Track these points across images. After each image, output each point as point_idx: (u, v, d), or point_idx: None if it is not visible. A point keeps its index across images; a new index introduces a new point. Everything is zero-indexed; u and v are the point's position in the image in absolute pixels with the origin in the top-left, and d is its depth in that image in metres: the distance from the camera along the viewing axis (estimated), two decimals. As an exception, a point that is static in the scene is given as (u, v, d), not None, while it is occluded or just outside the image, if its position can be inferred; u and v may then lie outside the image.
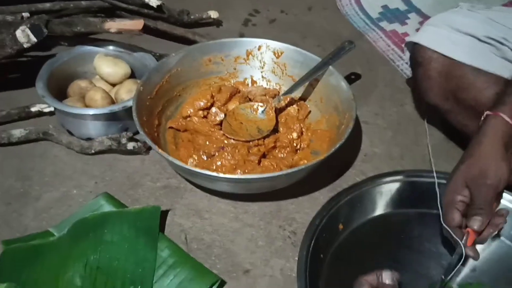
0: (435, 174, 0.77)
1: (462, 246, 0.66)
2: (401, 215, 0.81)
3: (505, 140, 0.68)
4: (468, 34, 0.81)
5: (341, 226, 0.78)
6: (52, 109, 0.94)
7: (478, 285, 0.69)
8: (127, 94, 0.91)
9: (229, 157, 0.80)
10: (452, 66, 0.81)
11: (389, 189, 0.81)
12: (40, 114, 0.96)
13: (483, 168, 0.68)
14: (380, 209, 0.81)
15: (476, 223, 0.67)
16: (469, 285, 0.69)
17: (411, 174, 0.82)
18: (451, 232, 0.68)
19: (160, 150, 0.74)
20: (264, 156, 0.83)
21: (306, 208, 0.82)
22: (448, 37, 0.82)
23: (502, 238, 0.77)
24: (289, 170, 0.73)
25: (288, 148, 0.86)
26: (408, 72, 1.11)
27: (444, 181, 0.75)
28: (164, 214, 0.81)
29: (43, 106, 0.95)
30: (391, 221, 0.81)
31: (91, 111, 0.87)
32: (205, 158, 0.83)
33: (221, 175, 0.71)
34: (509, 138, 0.69)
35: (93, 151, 0.89)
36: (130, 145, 0.88)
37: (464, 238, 0.67)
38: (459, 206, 0.68)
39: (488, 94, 0.77)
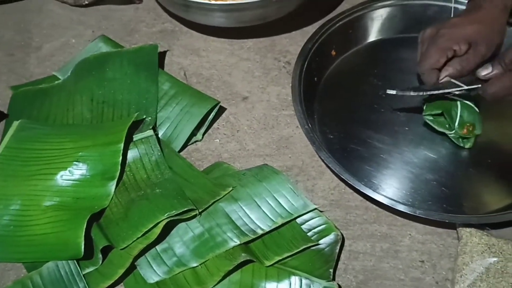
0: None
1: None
2: (393, 41, 0.83)
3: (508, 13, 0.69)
4: None
5: (334, 53, 0.80)
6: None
7: None
8: None
9: (221, -6, 0.80)
10: None
11: (380, 14, 0.82)
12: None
13: (493, 39, 0.67)
14: (372, 36, 0.83)
15: (456, 66, 0.66)
16: None
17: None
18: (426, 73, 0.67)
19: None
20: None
21: (299, 41, 0.84)
22: None
23: None
24: (280, -6, 0.73)
25: (279, -16, 0.86)
26: None
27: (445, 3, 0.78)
28: (162, 54, 0.83)
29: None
30: (383, 47, 0.83)
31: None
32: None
33: (213, 2, 0.73)
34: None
35: (86, 2, 0.90)
36: (123, -8, 0.89)
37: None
38: (450, 55, 0.66)
39: None
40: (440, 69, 0.67)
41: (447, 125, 0.69)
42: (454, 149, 0.70)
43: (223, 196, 0.62)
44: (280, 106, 0.76)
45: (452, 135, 0.69)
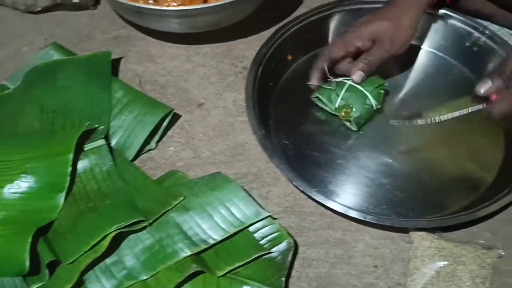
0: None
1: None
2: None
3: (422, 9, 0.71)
4: None
5: (290, 57, 0.80)
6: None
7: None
8: None
9: (175, -3, 0.79)
10: None
11: (335, 18, 0.82)
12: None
13: (398, 35, 0.69)
14: (328, 40, 0.83)
15: (364, 60, 0.69)
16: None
17: (356, 2, 0.82)
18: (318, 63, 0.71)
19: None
20: (211, -5, 0.83)
21: (256, 46, 0.82)
22: None
23: (427, 47, 0.82)
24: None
25: (235, -11, 0.85)
26: None
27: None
28: (117, 61, 0.82)
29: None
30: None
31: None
32: (151, 2, 0.82)
33: (164, 7, 0.72)
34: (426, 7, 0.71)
35: (39, 8, 0.88)
36: (76, -2, 0.87)
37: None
38: (351, 50, 0.70)
39: None
40: (337, 63, 0.71)
41: (327, 108, 0.72)
42: (408, 153, 0.70)
43: (174, 206, 0.61)
44: (236, 112, 0.75)
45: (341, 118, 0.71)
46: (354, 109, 0.69)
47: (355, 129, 0.71)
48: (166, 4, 0.78)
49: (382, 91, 0.71)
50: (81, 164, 0.66)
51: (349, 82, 0.70)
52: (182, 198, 0.62)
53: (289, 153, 0.70)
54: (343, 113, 0.70)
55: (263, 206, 0.64)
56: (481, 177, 0.67)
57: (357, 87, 0.69)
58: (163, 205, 0.61)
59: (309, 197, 0.64)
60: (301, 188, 0.62)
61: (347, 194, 0.66)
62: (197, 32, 0.81)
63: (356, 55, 0.71)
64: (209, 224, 0.60)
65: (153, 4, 0.80)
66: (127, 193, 0.63)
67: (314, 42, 0.82)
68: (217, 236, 0.59)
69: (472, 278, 0.55)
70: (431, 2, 0.73)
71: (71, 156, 0.64)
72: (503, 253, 0.59)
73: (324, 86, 0.72)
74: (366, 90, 0.70)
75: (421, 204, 0.65)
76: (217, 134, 0.73)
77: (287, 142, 0.71)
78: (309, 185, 0.62)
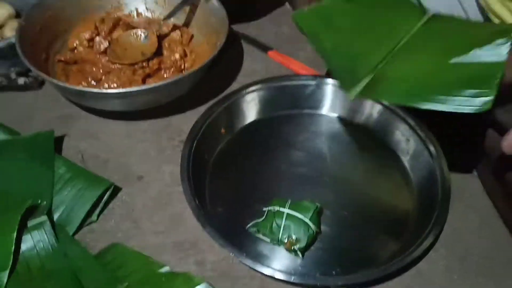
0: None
1: None
2: (279, 118, 0.91)
3: None
4: None
5: (223, 131, 0.87)
6: None
7: None
8: (11, 32, 0.94)
9: (115, 79, 0.86)
10: None
11: (262, 94, 0.90)
12: None
13: None
14: (258, 114, 0.91)
15: None
16: None
17: (279, 80, 0.91)
18: None
19: (49, 77, 0.79)
20: (149, 76, 0.90)
21: (193, 120, 0.89)
22: None
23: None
24: (168, 80, 0.80)
25: (172, 69, 0.93)
26: None
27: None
28: (60, 139, 0.86)
29: None
30: (270, 124, 0.90)
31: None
32: (94, 83, 0.89)
33: (104, 90, 0.78)
34: None
35: (-18, 91, 0.92)
36: (21, 80, 0.92)
37: None
38: None
39: None
40: None
41: (268, 239, 0.72)
42: (334, 213, 0.76)
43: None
44: (174, 184, 0.81)
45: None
46: (299, 240, 0.70)
47: (301, 258, 0.71)
48: (107, 85, 0.85)
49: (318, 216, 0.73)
50: (24, 241, 0.69)
51: (286, 211, 0.71)
52: (126, 283, 0.65)
53: (222, 222, 0.75)
54: (288, 244, 0.70)
55: (199, 272, 0.69)
56: (396, 231, 0.75)
57: (296, 216, 0.70)
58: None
59: (241, 261, 0.69)
60: (232, 254, 0.67)
61: (277, 257, 0.72)
62: (137, 110, 0.87)
63: None
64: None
65: (94, 85, 0.86)
66: (71, 272, 0.67)
67: (245, 116, 0.90)
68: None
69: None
70: None
71: (14, 235, 0.67)
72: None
73: (259, 220, 0.73)
74: (305, 217, 0.71)
75: (344, 261, 0.71)
76: (156, 205, 0.78)
77: (221, 210, 0.77)
78: (240, 251, 0.67)
